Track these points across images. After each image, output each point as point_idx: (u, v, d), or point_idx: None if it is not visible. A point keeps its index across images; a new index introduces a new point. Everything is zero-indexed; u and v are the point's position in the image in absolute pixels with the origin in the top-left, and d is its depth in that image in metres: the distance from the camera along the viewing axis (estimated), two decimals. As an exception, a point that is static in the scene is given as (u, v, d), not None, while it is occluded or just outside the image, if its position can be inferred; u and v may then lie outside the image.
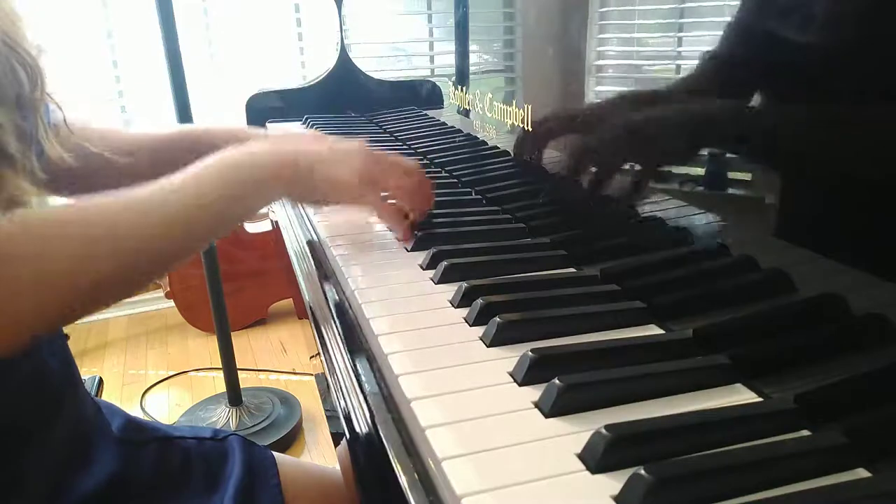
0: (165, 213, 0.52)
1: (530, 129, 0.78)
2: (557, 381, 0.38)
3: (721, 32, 0.52)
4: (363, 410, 0.42)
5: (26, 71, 0.52)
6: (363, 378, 0.45)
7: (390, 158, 0.66)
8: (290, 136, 0.62)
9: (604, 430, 0.34)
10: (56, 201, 0.60)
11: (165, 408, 1.95)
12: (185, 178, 0.54)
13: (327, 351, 0.52)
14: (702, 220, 0.57)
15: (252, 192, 0.57)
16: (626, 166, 0.63)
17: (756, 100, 0.50)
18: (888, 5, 0.40)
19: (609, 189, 0.65)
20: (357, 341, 0.50)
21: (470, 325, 0.49)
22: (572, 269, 0.59)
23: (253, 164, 0.57)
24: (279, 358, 2.18)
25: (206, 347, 2.23)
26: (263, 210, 0.64)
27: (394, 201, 0.66)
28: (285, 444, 1.75)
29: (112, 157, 0.70)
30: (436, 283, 0.57)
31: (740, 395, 0.39)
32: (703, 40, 0.55)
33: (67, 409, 0.65)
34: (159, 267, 0.55)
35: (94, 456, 0.65)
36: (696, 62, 0.56)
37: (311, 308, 0.61)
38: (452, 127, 1.11)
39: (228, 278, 2.03)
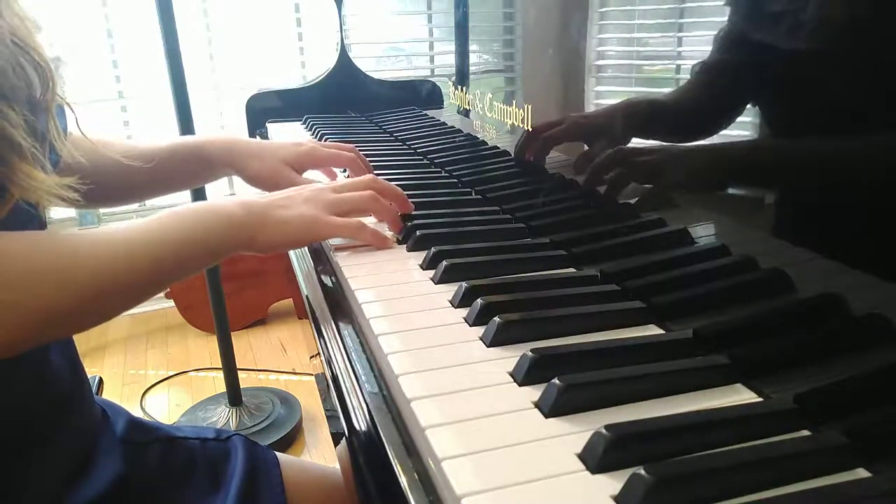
0: (132, 256, 0.53)
1: (537, 132, 0.78)
2: (557, 381, 0.38)
3: (721, 33, 0.52)
4: (363, 410, 0.42)
5: (37, 72, 0.53)
6: (363, 378, 0.45)
7: (340, 182, 0.68)
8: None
9: (604, 430, 0.34)
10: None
11: (165, 408, 1.95)
12: (150, 224, 0.55)
13: (327, 351, 0.52)
14: (702, 220, 0.57)
15: (213, 240, 0.58)
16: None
17: (757, 101, 0.50)
18: (886, 9, 0.40)
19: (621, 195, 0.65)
20: (357, 341, 0.50)
21: (470, 325, 0.49)
22: (572, 269, 0.59)
23: (216, 214, 0.59)
24: (279, 358, 2.18)
25: (206, 347, 2.23)
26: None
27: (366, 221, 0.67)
28: (285, 444, 1.75)
29: (124, 163, 0.71)
30: (436, 283, 0.57)
31: (740, 395, 0.39)
32: (703, 40, 0.55)
33: (74, 411, 0.65)
34: (118, 306, 0.54)
35: (99, 458, 0.65)
36: (696, 62, 0.56)
37: (311, 308, 0.61)
38: (452, 127, 1.11)
39: (228, 278, 2.04)
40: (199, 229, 0.57)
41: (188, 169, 0.83)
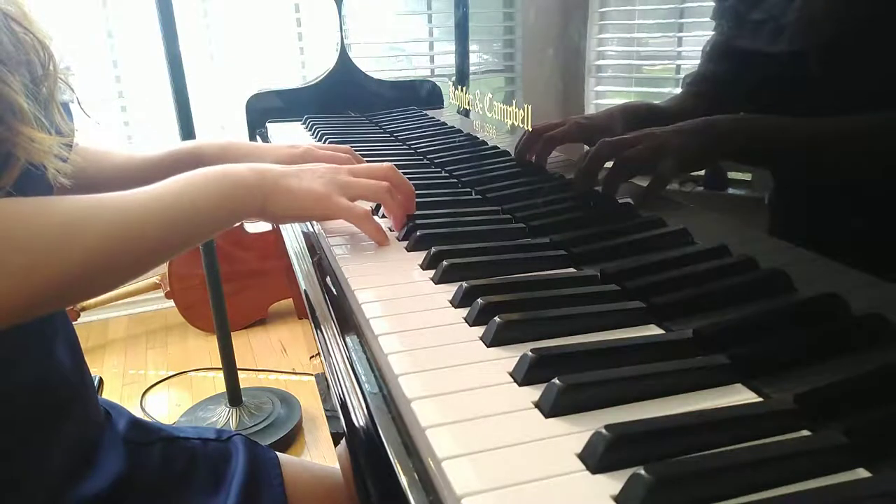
0: (144, 216, 0.53)
1: (538, 132, 0.78)
2: (557, 381, 0.38)
3: (708, 45, 0.52)
4: (363, 410, 0.42)
5: (37, 55, 0.53)
6: (363, 378, 0.45)
7: (357, 166, 0.69)
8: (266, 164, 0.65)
9: (604, 430, 0.34)
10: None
11: (165, 408, 1.95)
12: (164, 186, 0.56)
13: (327, 351, 0.52)
14: (702, 220, 0.57)
15: (226, 203, 0.59)
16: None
17: (757, 103, 0.51)
18: (880, 15, 0.40)
19: (617, 192, 0.65)
20: (357, 341, 0.50)
21: (470, 325, 0.49)
22: (572, 269, 0.59)
23: (228, 177, 0.59)
24: (279, 358, 2.18)
25: (206, 347, 2.23)
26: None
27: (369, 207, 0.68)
28: (285, 444, 1.75)
29: (122, 172, 0.72)
30: (436, 283, 0.57)
31: (740, 395, 0.39)
32: (703, 40, 0.55)
33: (77, 409, 0.65)
34: (130, 269, 0.54)
35: (101, 457, 0.66)
36: (696, 62, 0.56)
37: (311, 308, 0.61)
38: (452, 127, 1.11)
39: (229, 278, 2.04)
40: (213, 193, 0.57)
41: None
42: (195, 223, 0.57)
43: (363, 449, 0.41)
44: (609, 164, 0.65)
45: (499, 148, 0.91)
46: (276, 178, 0.61)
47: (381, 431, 0.39)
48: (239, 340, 2.06)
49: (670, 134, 0.57)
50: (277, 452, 0.77)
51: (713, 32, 0.52)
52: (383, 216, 0.73)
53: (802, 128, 0.46)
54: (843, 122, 0.43)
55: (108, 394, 1.94)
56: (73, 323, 0.68)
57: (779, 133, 0.48)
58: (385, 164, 0.70)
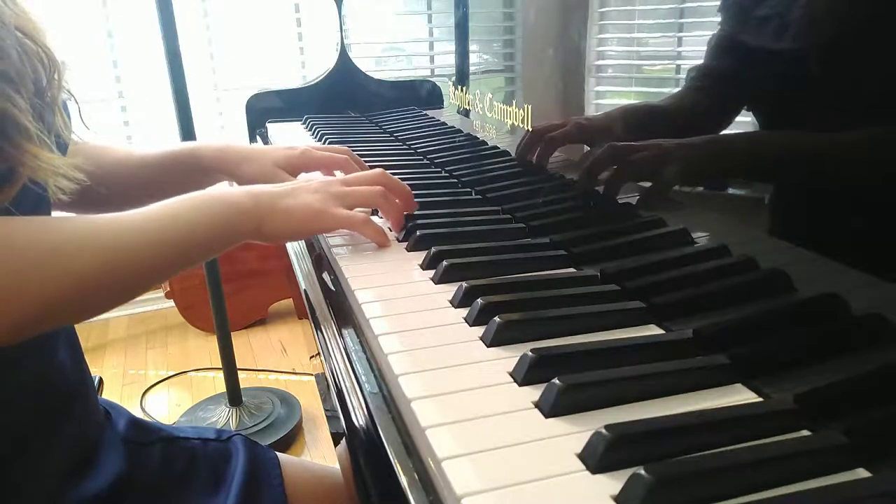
0: (138, 239, 0.53)
1: (539, 133, 0.78)
2: (557, 381, 0.38)
3: (713, 40, 0.52)
4: (363, 410, 0.42)
5: (43, 64, 0.53)
6: (363, 378, 0.45)
7: (349, 175, 0.69)
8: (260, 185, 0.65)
9: (604, 430, 0.34)
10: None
11: (165, 408, 1.95)
12: (158, 209, 0.56)
13: (327, 351, 0.52)
14: (702, 220, 0.57)
15: (221, 227, 0.59)
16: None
17: (751, 104, 0.51)
18: (882, 14, 0.40)
19: (618, 193, 0.65)
20: (357, 341, 0.50)
21: (470, 325, 0.49)
22: (572, 269, 0.59)
23: (223, 202, 0.59)
24: (279, 358, 2.18)
25: (206, 347, 2.23)
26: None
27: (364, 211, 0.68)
28: (285, 444, 1.75)
29: (120, 168, 0.72)
30: (436, 283, 0.57)
31: (740, 395, 0.39)
32: (703, 40, 0.55)
33: (77, 410, 0.65)
34: (124, 291, 0.54)
35: (101, 457, 0.66)
36: (696, 63, 0.56)
37: (311, 308, 0.61)
38: (452, 127, 1.11)
39: (229, 278, 2.04)
40: (207, 217, 0.57)
41: (182, 175, 0.83)
42: (189, 248, 0.57)
43: (363, 449, 0.42)
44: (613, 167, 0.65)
45: (499, 148, 0.91)
46: (271, 199, 0.61)
47: (381, 431, 0.39)
48: (239, 340, 2.06)
49: (677, 146, 0.57)
50: (277, 452, 0.77)
51: (718, 28, 0.52)
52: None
53: (807, 143, 0.46)
54: (846, 135, 0.43)
55: (108, 394, 1.94)
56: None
57: (784, 149, 0.48)
58: (376, 169, 0.70)
